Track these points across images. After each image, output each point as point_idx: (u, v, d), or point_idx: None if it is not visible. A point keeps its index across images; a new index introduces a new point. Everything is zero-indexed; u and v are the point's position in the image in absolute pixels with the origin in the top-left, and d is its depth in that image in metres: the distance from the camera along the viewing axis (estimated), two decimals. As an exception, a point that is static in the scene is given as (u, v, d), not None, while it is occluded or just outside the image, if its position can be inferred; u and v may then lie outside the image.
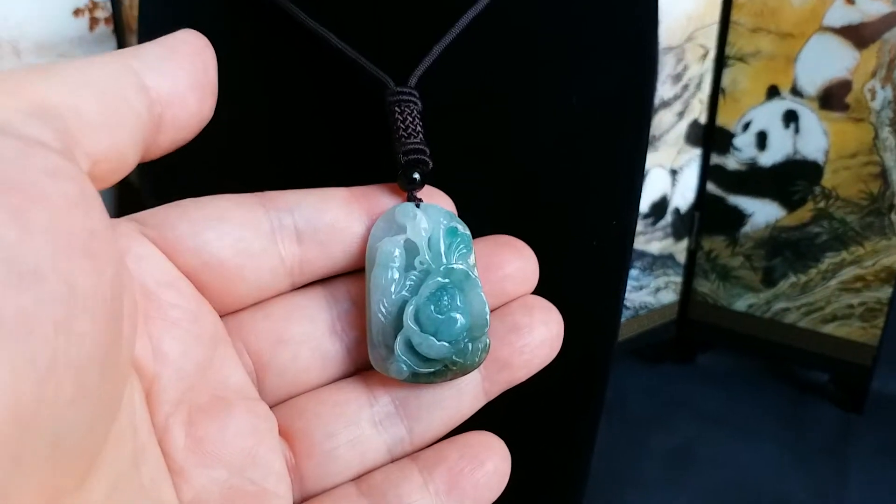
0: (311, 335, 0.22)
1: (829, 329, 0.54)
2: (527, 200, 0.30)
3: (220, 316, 0.21)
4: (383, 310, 0.22)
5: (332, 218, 0.22)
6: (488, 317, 0.23)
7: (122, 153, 0.15)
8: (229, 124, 0.29)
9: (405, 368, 0.22)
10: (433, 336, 0.22)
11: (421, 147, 0.24)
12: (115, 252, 0.14)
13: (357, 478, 0.22)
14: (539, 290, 0.24)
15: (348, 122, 0.28)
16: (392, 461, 0.23)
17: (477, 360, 0.23)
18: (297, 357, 0.22)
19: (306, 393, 0.22)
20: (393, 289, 0.23)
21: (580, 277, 0.31)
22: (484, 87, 0.29)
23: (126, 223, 0.19)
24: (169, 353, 0.18)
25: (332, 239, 0.22)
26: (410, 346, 0.22)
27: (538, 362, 0.25)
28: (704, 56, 0.51)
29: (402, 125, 0.24)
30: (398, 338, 0.22)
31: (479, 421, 0.25)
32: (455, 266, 0.23)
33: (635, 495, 0.49)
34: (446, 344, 0.23)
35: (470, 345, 0.23)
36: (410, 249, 0.23)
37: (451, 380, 0.23)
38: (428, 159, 0.24)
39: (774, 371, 0.59)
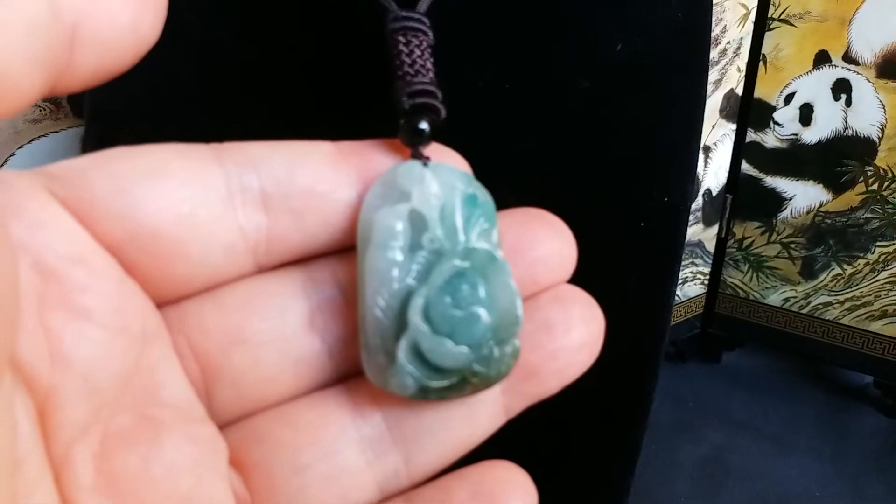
0: (279, 332, 0.17)
1: (877, 327, 0.49)
2: (559, 171, 0.25)
3: (159, 305, 0.16)
4: (382, 303, 0.17)
5: (310, 178, 0.17)
6: (520, 312, 0.18)
7: (7, 68, 0.10)
8: (190, 63, 0.23)
9: (411, 382, 0.17)
10: (449, 339, 0.17)
11: (430, 89, 0.19)
12: None
13: None
14: (575, 280, 0.20)
15: (340, 62, 0.23)
16: (383, 500, 0.17)
17: (504, 368, 0.18)
18: (259, 362, 0.17)
19: (270, 410, 0.17)
20: (395, 275, 0.17)
21: (625, 264, 0.27)
22: (506, 30, 0.24)
23: (27, 176, 0.14)
24: (74, 357, 0.13)
25: (311, 207, 0.17)
26: (419, 353, 0.17)
27: (574, 371, 0.20)
28: (745, 17, 0.46)
29: (406, 60, 0.19)
30: (402, 341, 0.17)
31: (496, 438, 0.20)
32: (476, 245, 0.18)
33: (660, 512, 0.44)
34: (466, 349, 0.17)
35: (496, 349, 0.18)
36: (417, 223, 0.18)
37: (469, 395, 0.18)
38: (439, 105, 0.19)
39: (811, 373, 0.55)
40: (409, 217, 0.18)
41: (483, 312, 0.17)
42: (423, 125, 0.19)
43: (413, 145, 0.19)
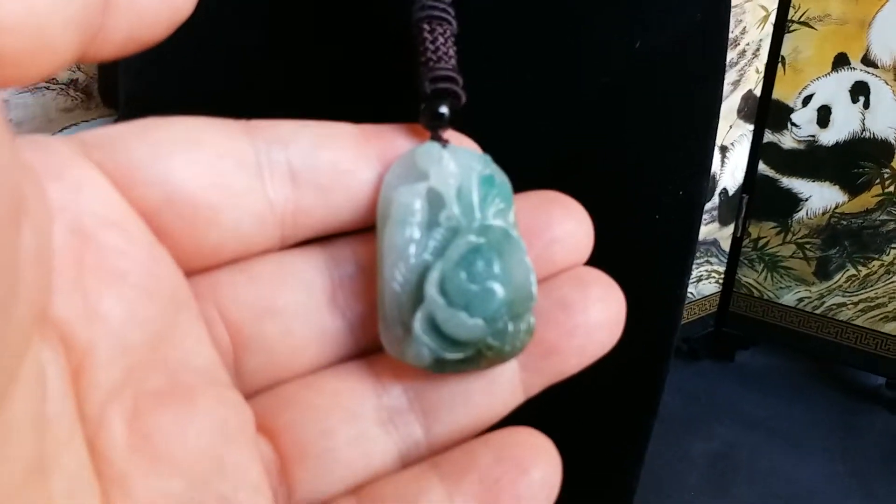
0: (307, 307, 0.18)
1: (891, 328, 0.49)
2: (572, 162, 0.26)
3: (188, 274, 0.17)
4: (399, 277, 0.18)
5: (335, 157, 0.18)
6: (534, 289, 0.19)
7: (42, 28, 0.11)
8: (217, 50, 0.24)
9: (426, 353, 0.17)
10: (464, 311, 0.18)
11: (452, 74, 0.20)
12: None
13: (359, 488, 0.18)
14: None
15: (364, 52, 0.24)
16: (404, 468, 0.18)
17: (519, 344, 0.19)
18: (289, 332, 0.18)
19: (297, 379, 0.18)
20: (412, 251, 0.18)
21: (638, 257, 0.27)
22: (530, 24, 0.25)
23: (64, 142, 0.15)
24: (109, 317, 0.14)
25: (335, 183, 0.18)
26: (434, 325, 0.18)
27: (594, 349, 0.21)
28: (765, 19, 0.47)
29: (430, 46, 0.20)
30: (418, 313, 0.17)
31: (510, 417, 0.21)
32: (492, 223, 0.19)
33: (671, 505, 0.45)
34: (481, 322, 0.18)
35: (510, 324, 0.18)
36: (434, 201, 0.19)
37: (484, 369, 0.19)
38: (460, 90, 0.20)
39: (822, 373, 0.55)
40: (426, 195, 0.19)
41: (498, 287, 0.18)
42: (443, 109, 0.20)
43: (433, 128, 0.20)
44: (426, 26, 0.21)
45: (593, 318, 0.20)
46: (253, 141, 0.17)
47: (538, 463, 0.18)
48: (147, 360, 0.14)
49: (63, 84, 0.50)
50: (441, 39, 0.21)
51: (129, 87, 0.27)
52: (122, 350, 0.13)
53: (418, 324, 0.17)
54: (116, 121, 0.28)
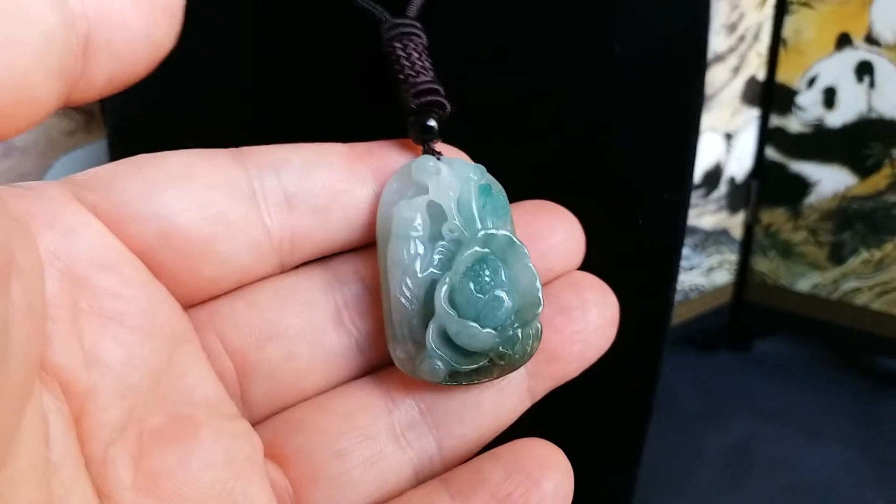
0: (310, 327, 0.18)
1: (908, 312, 0.49)
2: (556, 169, 0.26)
3: (186, 308, 0.17)
4: (407, 293, 0.18)
5: (328, 177, 0.18)
6: (540, 294, 0.19)
7: (25, 81, 0.11)
8: (191, 82, 0.25)
9: (441, 367, 0.18)
10: (475, 322, 0.18)
11: (434, 87, 0.21)
12: None
13: None
14: None
15: (342, 73, 0.24)
16: (418, 484, 0.19)
17: (529, 350, 0.19)
18: (293, 356, 0.18)
19: (305, 401, 0.18)
20: (418, 266, 0.19)
21: (623, 262, 0.27)
22: (506, 33, 0.25)
23: (56, 187, 0.15)
24: (108, 360, 0.14)
25: (332, 204, 0.18)
26: (446, 338, 0.18)
27: (593, 353, 0.21)
28: (763, 2, 0.46)
29: (406, 63, 0.20)
30: (430, 328, 0.18)
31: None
32: (496, 232, 0.19)
33: (686, 503, 0.44)
34: (492, 332, 0.18)
35: (520, 331, 0.19)
36: (436, 214, 0.19)
37: (496, 378, 0.19)
38: (444, 101, 0.20)
39: (843, 360, 0.54)
40: (427, 209, 0.19)
41: (505, 295, 0.18)
42: (432, 122, 0.20)
43: (424, 142, 0.20)
44: (398, 45, 0.21)
45: (591, 322, 0.20)
46: (245, 168, 0.17)
47: (549, 475, 0.18)
48: (148, 398, 0.15)
49: (64, 106, 0.51)
50: (415, 54, 0.21)
51: (112, 119, 0.27)
52: (122, 391, 0.14)
53: (431, 338, 0.18)
54: (108, 147, 0.28)
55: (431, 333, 0.18)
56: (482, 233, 0.19)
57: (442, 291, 0.18)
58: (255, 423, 0.18)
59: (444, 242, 0.19)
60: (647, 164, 0.27)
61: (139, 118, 0.26)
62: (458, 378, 0.19)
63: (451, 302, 0.18)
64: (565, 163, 0.26)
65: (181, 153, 0.17)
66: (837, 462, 0.47)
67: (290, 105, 0.25)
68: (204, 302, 0.18)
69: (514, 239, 0.19)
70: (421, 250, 0.19)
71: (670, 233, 0.28)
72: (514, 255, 0.19)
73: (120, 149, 0.27)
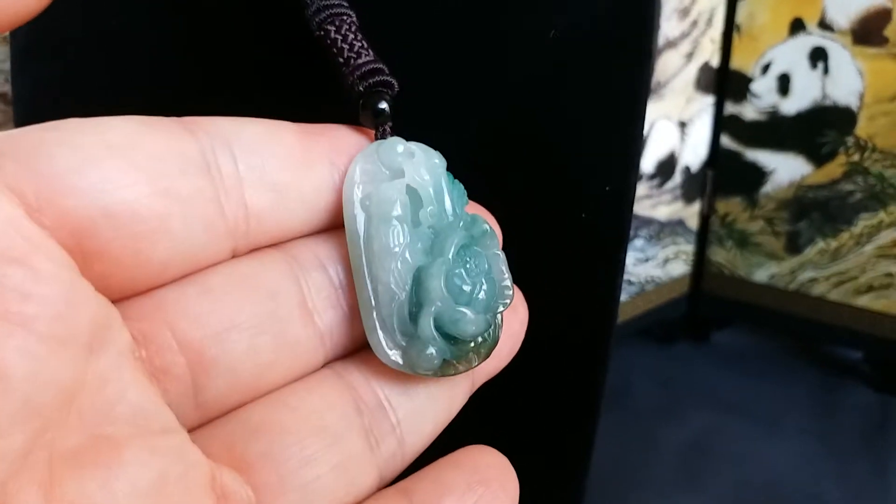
0: (274, 317, 0.16)
1: (864, 301, 0.49)
2: (493, 161, 0.25)
3: (131, 295, 0.15)
4: (396, 279, 0.17)
5: (286, 155, 0.16)
6: (508, 281, 0.19)
7: None
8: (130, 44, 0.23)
9: (436, 356, 0.17)
10: (468, 308, 0.17)
11: (378, 66, 0.19)
12: None
13: None
14: (517, 273, 0.20)
15: (271, 66, 0.23)
16: (381, 485, 0.17)
17: (498, 335, 0.18)
18: (255, 349, 0.16)
19: (264, 397, 0.17)
20: (408, 252, 0.17)
21: (566, 257, 0.26)
22: (433, 16, 0.23)
23: None
24: (10, 375, 0.12)
25: (290, 183, 0.16)
26: (441, 326, 0.17)
27: (507, 352, 0.20)
28: (716, -14, 0.46)
29: (344, 45, 0.19)
30: (425, 316, 0.17)
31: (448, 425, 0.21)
32: (475, 217, 0.19)
33: (643, 498, 0.44)
34: (482, 317, 0.18)
35: (498, 317, 0.18)
36: (414, 199, 0.18)
37: (476, 366, 0.19)
38: (392, 80, 0.19)
39: (801, 350, 0.55)
40: (406, 193, 0.18)
41: (485, 282, 0.17)
42: (383, 105, 0.19)
43: (377, 126, 0.19)
44: (331, 26, 0.19)
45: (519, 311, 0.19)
46: (196, 139, 0.15)
47: (507, 485, 0.17)
48: (59, 417, 0.12)
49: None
50: (351, 35, 0.20)
51: (22, 85, 0.25)
52: (26, 412, 0.12)
53: (430, 327, 0.16)
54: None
55: (430, 322, 0.17)
56: (461, 220, 0.19)
57: (441, 278, 0.17)
58: (209, 423, 0.16)
59: (423, 228, 0.18)
60: (586, 154, 0.26)
61: (56, 85, 0.24)
62: (447, 369, 0.18)
63: (447, 288, 0.18)
64: (499, 155, 0.25)
65: (122, 119, 0.15)
66: (796, 454, 0.46)
67: (229, 76, 0.23)
68: (148, 290, 0.16)
69: (488, 226, 0.19)
70: (405, 235, 0.18)
71: (615, 225, 0.27)
72: (489, 241, 0.19)
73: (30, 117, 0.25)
